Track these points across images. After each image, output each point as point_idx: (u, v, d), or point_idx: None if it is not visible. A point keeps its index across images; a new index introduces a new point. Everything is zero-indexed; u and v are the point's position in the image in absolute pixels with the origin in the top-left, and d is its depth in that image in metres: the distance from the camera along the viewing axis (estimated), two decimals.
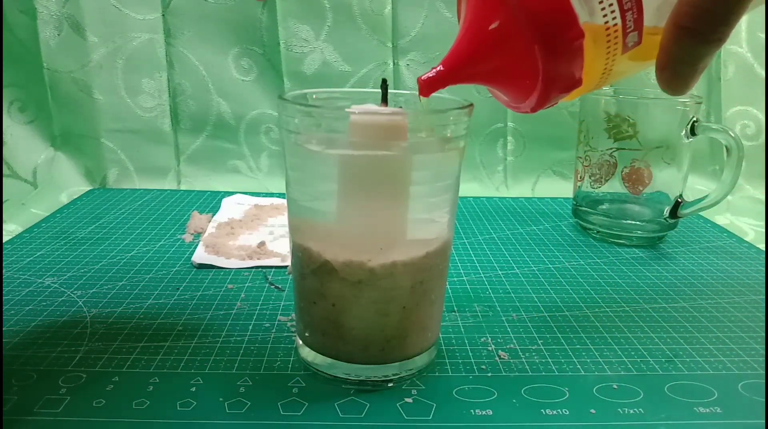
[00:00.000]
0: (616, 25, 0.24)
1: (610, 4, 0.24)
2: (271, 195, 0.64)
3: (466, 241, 0.53)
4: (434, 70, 0.26)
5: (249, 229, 0.53)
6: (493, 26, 0.25)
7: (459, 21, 0.28)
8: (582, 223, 0.56)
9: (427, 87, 0.27)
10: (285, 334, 0.36)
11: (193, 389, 0.30)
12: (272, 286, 0.43)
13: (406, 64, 0.68)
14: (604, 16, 0.24)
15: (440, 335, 0.35)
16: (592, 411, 0.29)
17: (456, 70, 0.26)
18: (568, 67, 0.24)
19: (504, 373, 0.32)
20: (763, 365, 0.34)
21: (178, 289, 0.42)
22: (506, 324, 0.38)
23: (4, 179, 0.62)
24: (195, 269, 0.45)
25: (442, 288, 0.33)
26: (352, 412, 0.29)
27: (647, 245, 0.53)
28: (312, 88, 0.33)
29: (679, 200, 0.51)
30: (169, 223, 0.55)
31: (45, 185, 0.65)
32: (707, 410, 0.30)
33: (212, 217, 0.56)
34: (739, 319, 0.40)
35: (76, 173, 0.68)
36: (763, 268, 0.48)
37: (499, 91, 0.29)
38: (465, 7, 0.27)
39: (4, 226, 0.55)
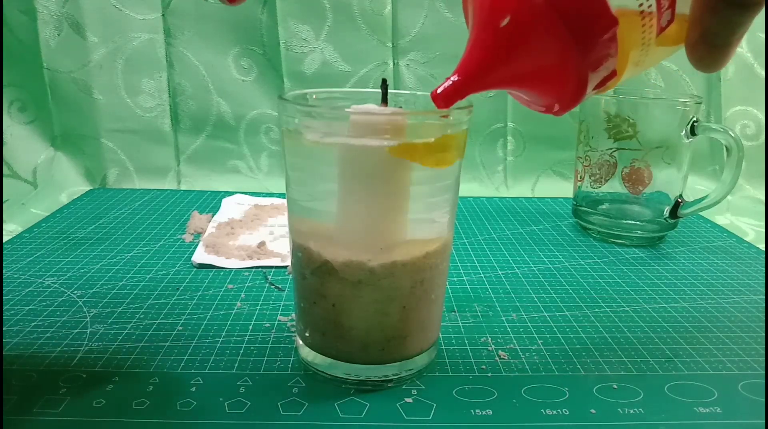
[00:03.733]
0: (650, 6, 0.22)
1: None
2: (271, 195, 0.64)
3: (466, 241, 0.53)
4: (449, 81, 0.24)
5: (249, 229, 0.53)
6: (504, 23, 0.22)
7: (467, 23, 0.25)
8: (582, 223, 0.56)
9: (444, 100, 0.24)
10: (285, 334, 0.36)
11: (193, 389, 0.30)
12: (272, 286, 0.43)
13: (406, 64, 0.68)
14: None
15: (440, 335, 0.35)
16: (592, 411, 0.29)
17: (473, 78, 0.24)
18: (602, 59, 0.22)
19: (504, 373, 0.32)
20: (763, 365, 0.34)
21: (178, 289, 0.42)
22: (506, 324, 0.38)
23: (4, 179, 0.62)
24: (195, 269, 0.45)
25: (442, 288, 0.33)
26: (352, 412, 0.29)
27: (647, 245, 0.53)
28: (312, 88, 0.33)
29: (679, 200, 0.51)
30: (169, 223, 0.55)
31: (45, 185, 0.65)
32: (707, 410, 0.30)
33: (212, 217, 0.56)
34: (739, 319, 0.40)
35: (76, 173, 0.68)
36: (763, 268, 0.48)
37: (522, 93, 0.26)
38: (473, 6, 0.24)
39: (4, 226, 0.55)
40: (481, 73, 0.24)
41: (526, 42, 0.22)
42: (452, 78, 0.24)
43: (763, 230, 0.60)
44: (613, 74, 0.23)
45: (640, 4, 0.22)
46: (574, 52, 0.22)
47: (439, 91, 0.24)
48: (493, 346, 0.35)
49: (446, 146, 0.28)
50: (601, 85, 0.23)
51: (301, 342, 0.33)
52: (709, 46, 0.23)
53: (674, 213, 0.51)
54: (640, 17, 0.22)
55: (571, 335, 0.37)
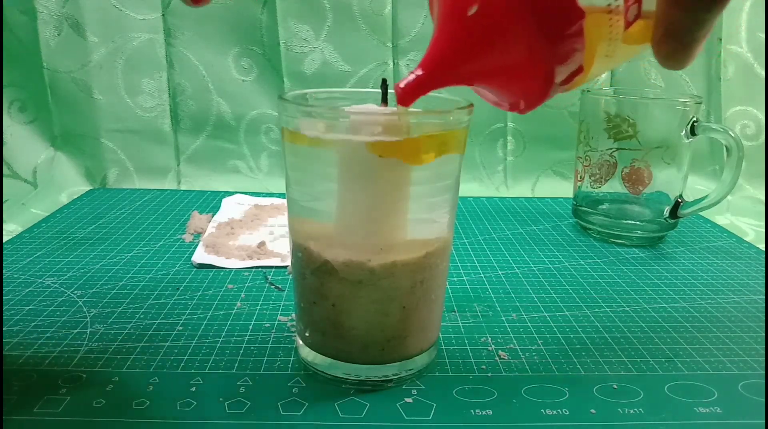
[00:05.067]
0: (617, 2, 0.22)
1: None
2: (271, 195, 0.64)
3: (466, 241, 0.53)
4: (413, 75, 0.23)
5: (249, 229, 0.53)
6: (471, 11, 0.22)
7: (432, 15, 0.25)
8: (582, 223, 0.56)
9: (407, 95, 0.24)
10: (285, 334, 0.36)
11: (193, 389, 0.30)
12: (272, 286, 0.43)
13: (406, 64, 0.68)
14: None
15: (440, 335, 0.35)
16: (592, 411, 0.29)
17: (438, 72, 0.23)
18: (569, 53, 0.22)
19: (504, 373, 0.32)
20: (763, 365, 0.34)
21: (178, 289, 0.42)
22: (506, 324, 0.38)
23: (4, 179, 0.62)
24: (195, 269, 0.45)
25: (442, 288, 0.33)
26: (352, 412, 0.29)
27: (647, 245, 0.53)
28: (312, 88, 0.33)
29: (679, 200, 0.51)
30: (169, 223, 0.55)
31: (45, 185, 0.65)
32: (707, 410, 0.30)
33: (212, 217, 0.56)
34: (739, 319, 0.39)
35: (76, 173, 0.68)
36: (763, 268, 0.48)
37: (488, 91, 0.26)
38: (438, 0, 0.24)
39: (4, 226, 0.55)
40: (446, 66, 0.23)
41: (492, 33, 0.22)
42: (416, 72, 0.23)
43: (763, 230, 0.60)
44: (579, 70, 0.23)
45: (609, 4, 0.22)
46: (541, 44, 0.21)
47: (402, 85, 0.23)
48: (493, 346, 0.35)
49: (429, 144, 0.28)
50: (568, 81, 0.23)
51: (301, 342, 0.33)
52: (675, 43, 0.23)
53: (674, 213, 0.51)
54: (607, 13, 0.22)
55: (571, 335, 0.37)
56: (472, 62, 0.23)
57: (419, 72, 0.23)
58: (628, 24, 0.22)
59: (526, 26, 0.21)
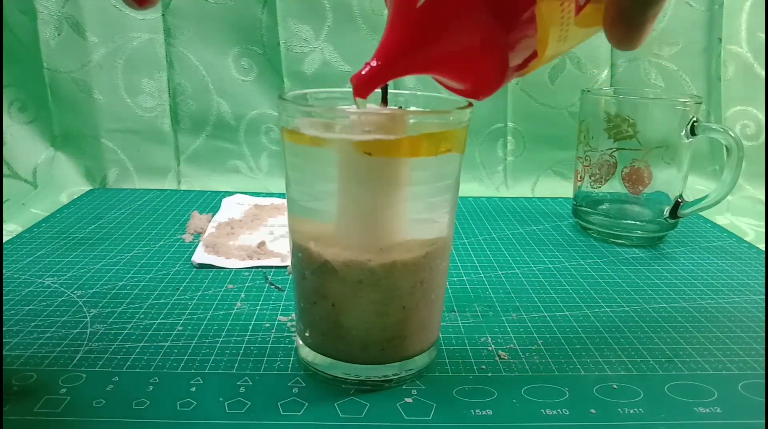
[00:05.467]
0: None
1: None
2: (271, 195, 0.64)
3: (466, 241, 0.53)
4: (368, 66, 0.23)
5: (249, 229, 0.53)
6: (421, 2, 0.22)
7: (387, 5, 0.24)
8: (582, 223, 0.56)
9: (363, 86, 0.23)
10: (285, 334, 0.36)
11: (193, 389, 0.30)
12: (272, 286, 0.43)
13: None
14: None
15: (440, 335, 0.35)
16: (592, 411, 0.29)
17: (393, 62, 0.23)
18: (521, 38, 0.22)
19: (504, 373, 0.32)
20: (763, 365, 0.34)
21: (178, 289, 0.42)
22: (506, 324, 0.38)
23: (4, 179, 0.62)
24: (195, 269, 0.45)
25: (442, 288, 0.33)
26: (352, 412, 0.29)
27: (647, 245, 0.53)
28: (312, 88, 0.33)
29: (679, 200, 0.51)
30: (169, 223, 0.55)
31: (45, 185, 0.65)
32: (707, 410, 0.30)
33: (212, 217, 0.56)
34: (739, 319, 0.40)
35: (76, 173, 0.68)
36: (763, 268, 0.48)
37: (446, 78, 0.26)
38: None
39: (4, 226, 0.55)
40: (400, 56, 0.23)
41: (445, 21, 0.22)
42: (371, 63, 0.23)
43: (763, 230, 0.60)
44: (534, 55, 0.23)
45: None
46: (494, 31, 0.21)
47: (357, 76, 0.23)
48: (493, 346, 0.35)
49: (427, 143, 0.28)
50: (523, 66, 0.23)
51: (301, 342, 0.33)
52: (626, 24, 0.23)
53: (674, 213, 0.51)
54: None
55: (571, 335, 0.37)
56: (425, 51, 0.23)
57: (374, 63, 0.23)
58: (580, 8, 0.23)
59: (479, 14, 0.21)
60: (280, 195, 0.63)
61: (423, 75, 0.25)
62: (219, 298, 0.40)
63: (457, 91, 0.26)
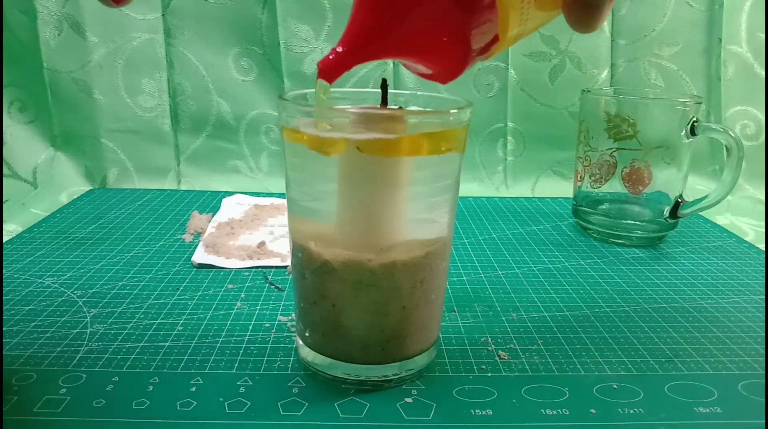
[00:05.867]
0: None
1: None
2: (271, 195, 0.64)
3: (466, 241, 0.53)
4: (334, 52, 0.24)
5: (249, 229, 0.53)
6: None
7: None
8: (582, 223, 0.56)
9: (329, 71, 0.24)
10: (285, 334, 0.36)
11: (193, 389, 0.30)
12: (272, 286, 0.43)
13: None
14: None
15: (440, 335, 0.35)
16: (592, 411, 0.29)
17: (357, 47, 0.24)
18: (482, 23, 0.22)
19: (504, 373, 0.32)
20: (763, 365, 0.34)
21: (178, 289, 0.42)
22: (506, 324, 0.38)
23: (4, 179, 0.62)
24: (195, 269, 0.45)
25: (442, 288, 0.33)
26: (352, 412, 0.29)
27: (647, 245, 0.53)
28: (312, 88, 0.33)
29: (679, 200, 0.51)
30: (169, 223, 0.55)
31: (45, 185, 0.65)
32: (707, 410, 0.30)
33: (212, 217, 0.56)
34: (739, 319, 0.40)
35: (76, 173, 0.68)
36: (763, 268, 0.48)
37: (412, 63, 0.26)
38: None
39: (4, 226, 0.55)
40: (365, 41, 0.24)
41: (406, 7, 0.23)
42: (337, 49, 0.24)
43: (763, 230, 0.60)
44: (495, 39, 0.23)
45: None
46: (455, 17, 0.22)
47: (323, 62, 0.24)
48: (493, 346, 0.35)
49: (426, 142, 0.28)
50: (485, 50, 0.24)
51: (301, 342, 0.33)
52: (584, 6, 0.24)
53: (674, 213, 0.51)
54: None
55: (571, 335, 0.37)
56: (388, 37, 0.24)
57: (339, 49, 0.24)
58: None
59: (440, 3, 0.22)
60: (280, 195, 0.63)
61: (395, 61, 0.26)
62: (219, 298, 0.40)
63: (424, 75, 0.27)
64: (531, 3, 0.23)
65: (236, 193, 0.63)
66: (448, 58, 0.24)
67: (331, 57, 0.24)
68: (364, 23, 0.23)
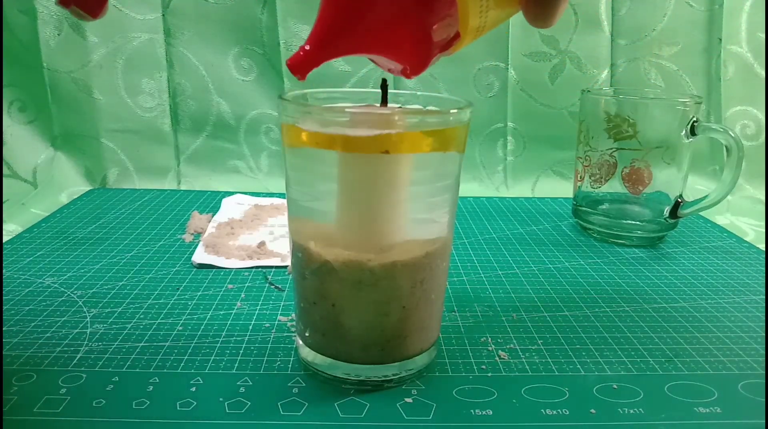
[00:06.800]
0: None
1: None
2: (271, 195, 0.64)
3: (466, 241, 0.53)
4: (302, 50, 0.25)
5: (249, 229, 0.53)
6: None
7: None
8: (582, 223, 0.56)
9: (298, 69, 0.25)
10: (285, 334, 0.36)
11: (193, 389, 0.30)
12: (272, 286, 0.43)
13: None
14: None
15: (440, 335, 0.35)
16: (592, 411, 0.29)
17: (323, 45, 0.25)
18: (443, 19, 0.24)
19: (504, 373, 0.32)
20: (763, 365, 0.34)
21: (178, 289, 0.42)
22: (506, 324, 0.38)
23: (4, 179, 0.62)
24: (195, 269, 0.45)
25: (442, 288, 0.33)
26: (352, 412, 0.29)
27: (647, 245, 0.53)
28: (312, 88, 0.33)
29: (679, 200, 0.51)
30: (169, 223, 0.55)
31: (45, 185, 0.65)
32: (707, 410, 0.30)
33: (212, 217, 0.56)
34: (739, 319, 0.40)
35: (76, 173, 0.68)
36: (763, 268, 0.48)
37: (378, 59, 0.27)
38: None
39: (4, 226, 0.55)
40: (330, 40, 0.25)
41: (368, 5, 0.24)
42: (305, 47, 0.25)
43: (763, 230, 0.60)
44: (457, 36, 0.25)
45: None
46: (416, 15, 0.23)
47: (291, 60, 0.25)
48: (493, 346, 0.35)
49: (425, 140, 0.28)
50: (447, 46, 0.25)
51: (301, 342, 0.33)
52: (540, 4, 0.25)
53: (674, 213, 0.51)
54: None
55: (571, 335, 0.37)
56: (352, 34, 0.25)
57: (307, 47, 0.25)
58: None
59: (402, 2, 0.23)
60: (280, 195, 0.63)
61: (360, 57, 0.27)
62: (219, 298, 0.40)
63: (392, 71, 0.28)
64: (491, 1, 0.25)
65: (236, 193, 0.63)
66: (411, 54, 0.25)
67: (299, 55, 0.25)
68: (330, 21, 0.25)
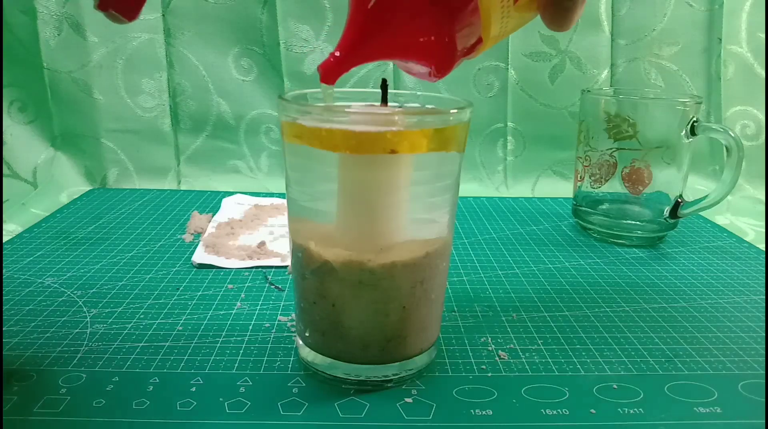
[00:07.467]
0: None
1: None
2: (271, 195, 0.64)
3: (466, 241, 0.53)
4: (332, 56, 0.26)
5: (249, 229, 0.53)
6: (371, 4, 0.25)
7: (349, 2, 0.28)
8: (582, 223, 0.56)
9: (328, 74, 0.26)
10: (285, 334, 0.36)
11: (193, 389, 0.30)
12: (272, 286, 0.43)
13: None
14: None
15: (440, 335, 0.35)
16: (592, 411, 0.29)
17: (352, 52, 0.26)
18: (466, 27, 0.25)
19: (504, 373, 0.32)
20: (763, 365, 0.34)
21: (178, 289, 0.42)
22: (506, 324, 0.38)
23: (4, 179, 0.62)
24: (195, 269, 0.45)
25: (442, 288, 0.33)
26: (352, 412, 0.29)
27: (647, 245, 0.53)
28: (312, 88, 0.33)
29: (679, 200, 0.51)
30: (169, 223, 0.55)
31: (45, 185, 0.65)
32: (707, 410, 0.30)
33: (212, 217, 0.56)
34: (739, 319, 0.40)
35: (76, 173, 0.68)
36: (763, 268, 0.48)
37: (404, 63, 0.29)
38: None
39: (4, 226, 0.55)
40: (359, 45, 0.26)
41: (393, 16, 0.25)
42: (335, 53, 0.26)
43: (763, 230, 0.60)
44: (479, 41, 0.26)
45: None
46: (440, 21, 0.24)
47: (322, 66, 0.26)
48: (493, 346, 0.35)
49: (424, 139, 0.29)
50: (470, 51, 0.26)
51: (301, 342, 0.33)
52: (558, 8, 0.26)
53: (674, 213, 0.51)
54: None
55: (571, 335, 0.37)
56: (380, 41, 0.26)
57: (336, 53, 0.26)
58: None
59: (424, 8, 0.24)
60: (280, 195, 0.63)
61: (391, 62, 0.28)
62: (219, 298, 0.40)
63: (415, 73, 0.29)
64: (510, 6, 0.25)
65: (236, 193, 0.63)
66: (436, 59, 0.26)
67: (329, 61, 0.26)
68: (358, 29, 0.26)
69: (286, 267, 0.46)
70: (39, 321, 0.37)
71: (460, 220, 0.58)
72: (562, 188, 0.71)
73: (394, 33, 0.26)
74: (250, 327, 0.37)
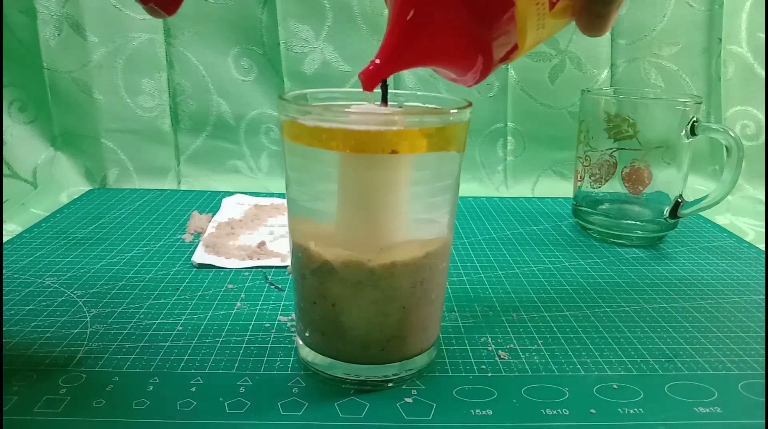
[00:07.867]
0: None
1: None
2: (271, 195, 0.64)
3: (466, 241, 0.53)
4: (372, 63, 0.27)
5: (249, 229, 0.53)
6: (410, 16, 0.26)
7: (387, 4, 0.28)
8: (582, 223, 0.56)
9: (369, 81, 0.27)
10: (285, 334, 0.36)
11: (193, 389, 0.30)
12: (272, 286, 0.43)
13: None
14: None
15: (440, 335, 0.35)
16: (592, 411, 0.29)
17: (392, 59, 0.27)
18: (502, 35, 0.25)
19: (504, 373, 0.32)
20: (763, 365, 0.34)
21: (178, 289, 0.42)
22: (506, 324, 0.38)
23: (4, 179, 0.62)
24: (195, 269, 0.45)
25: (442, 288, 0.33)
26: (352, 412, 0.29)
27: (647, 245, 0.53)
28: (312, 88, 0.33)
29: (679, 200, 0.51)
30: (169, 223, 0.55)
31: (45, 185, 0.65)
32: (707, 410, 0.30)
33: (212, 217, 0.56)
34: (739, 319, 0.40)
35: (76, 173, 0.68)
36: (763, 268, 0.48)
37: (442, 69, 0.29)
38: None
39: (4, 226, 0.55)
40: (397, 56, 0.27)
41: (429, 28, 0.26)
42: (375, 61, 0.27)
43: (763, 230, 0.60)
44: (515, 48, 0.27)
45: None
46: (477, 31, 0.25)
47: (363, 72, 0.27)
48: (493, 346, 0.35)
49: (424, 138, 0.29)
50: (506, 57, 0.27)
51: (301, 342, 0.33)
52: (593, 15, 0.27)
53: (674, 213, 0.51)
54: None
55: (571, 335, 0.37)
56: (417, 52, 0.27)
57: (377, 61, 0.27)
58: (553, 5, 0.26)
59: (461, 19, 0.25)
60: (280, 195, 0.63)
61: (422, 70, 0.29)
62: (219, 298, 0.40)
63: (452, 79, 0.29)
64: (546, 13, 0.26)
65: (236, 193, 0.63)
66: (473, 66, 0.27)
67: (370, 68, 0.27)
68: (397, 37, 0.26)
69: (286, 267, 0.46)
70: (39, 321, 0.37)
71: (460, 220, 0.58)
72: (562, 188, 0.70)
73: (432, 41, 0.26)
74: (250, 327, 0.37)
